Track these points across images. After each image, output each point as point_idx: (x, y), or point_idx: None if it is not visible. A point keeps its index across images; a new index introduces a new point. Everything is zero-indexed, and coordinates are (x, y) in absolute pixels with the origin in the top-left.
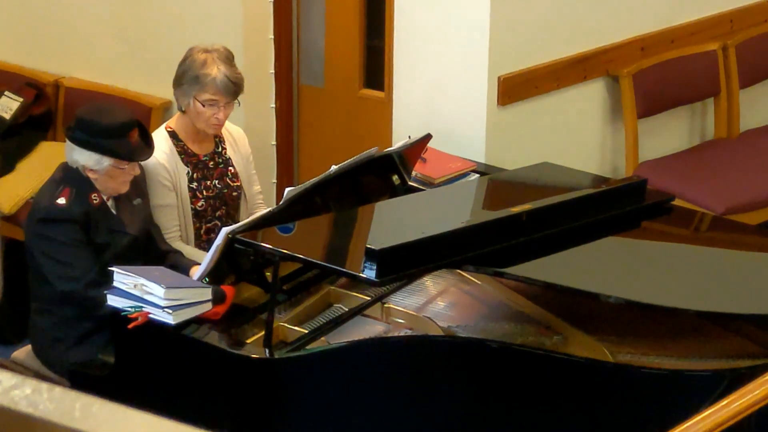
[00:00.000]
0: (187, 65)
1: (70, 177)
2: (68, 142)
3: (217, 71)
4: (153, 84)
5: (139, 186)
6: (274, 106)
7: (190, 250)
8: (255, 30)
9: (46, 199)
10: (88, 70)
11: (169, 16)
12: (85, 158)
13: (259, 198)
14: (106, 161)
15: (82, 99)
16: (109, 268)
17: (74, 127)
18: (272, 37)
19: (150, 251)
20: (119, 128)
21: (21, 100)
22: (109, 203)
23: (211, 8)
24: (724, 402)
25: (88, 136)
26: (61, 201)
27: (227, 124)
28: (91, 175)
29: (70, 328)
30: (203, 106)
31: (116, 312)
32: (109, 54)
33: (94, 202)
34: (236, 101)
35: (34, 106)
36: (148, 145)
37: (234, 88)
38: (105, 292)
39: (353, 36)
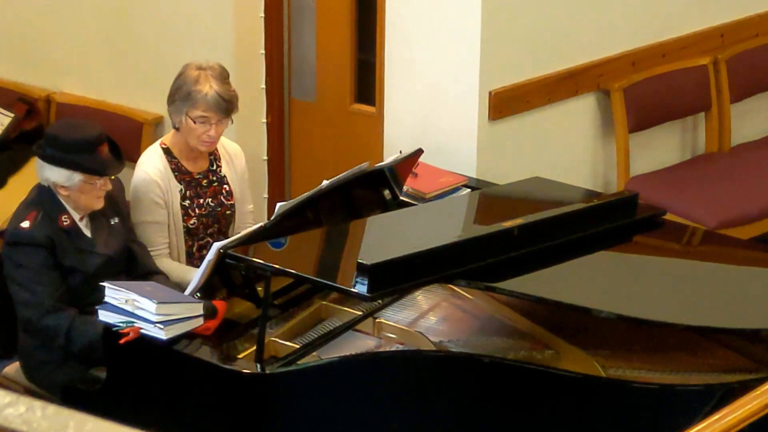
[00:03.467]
0: (180, 82)
1: (40, 199)
2: (38, 160)
3: (209, 88)
4: (144, 99)
5: (117, 204)
6: (265, 121)
7: (176, 267)
8: (246, 45)
9: (13, 223)
10: (80, 85)
11: (160, 31)
12: (56, 175)
13: (250, 217)
14: (76, 177)
15: (74, 114)
16: (101, 284)
17: (44, 144)
18: (263, 52)
19: (132, 271)
20: (89, 143)
21: (12, 115)
22: (83, 223)
23: (202, 24)
24: (715, 417)
25: (58, 151)
26: (25, 224)
27: (224, 140)
28: (62, 192)
29: (55, 349)
30: (195, 122)
31: (108, 327)
32: (100, 69)
33: (64, 223)
34: (229, 119)
35: (26, 122)
36: (119, 160)
37: (226, 105)
38: (97, 308)
39: (344, 51)
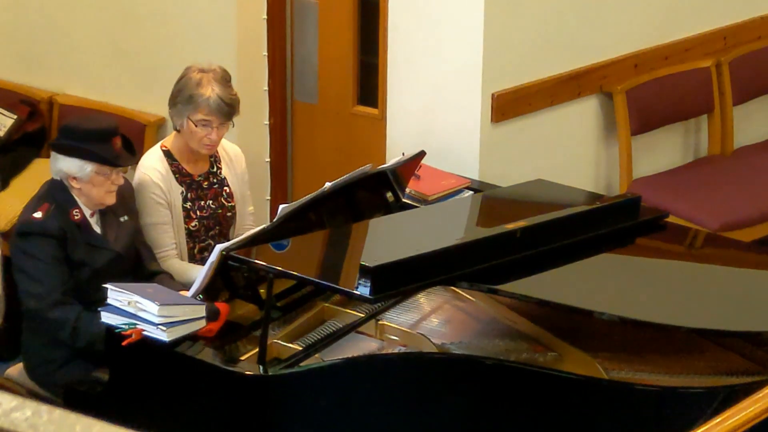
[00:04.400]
0: (182, 84)
1: (52, 193)
2: (53, 154)
3: (210, 92)
4: (147, 101)
5: (127, 203)
6: (267, 122)
7: (185, 267)
8: (249, 47)
9: (25, 214)
10: (82, 87)
11: (163, 33)
12: (68, 165)
13: (250, 219)
14: (88, 167)
15: (76, 116)
16: (104, 285)
17: (58, 136)
18: (266, 54)
19: (138, 271)
20: (102, 133)
21: (15, 117)
22: (94, 219)
23: (205, 25)
24: (718, 419)
25: (72, 141)
26: (38, 215)
27: (224, 142)
28: (74, 185)
29: (60, 348)
30: (196, 126)
31: (111, 329)
32: (103, 71)
33: (75, 218)
34: (231, 122)
35: (28, 123)
36: (131, 153)
37: (228, 109)
38: (100, 309)
39: (347, 53)
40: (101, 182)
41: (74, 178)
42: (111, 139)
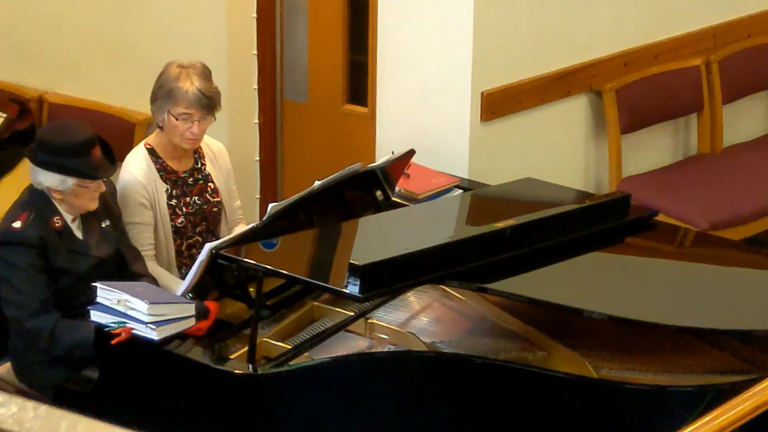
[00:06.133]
0: (162, 80)
1: (33, 200)
2: (31, 165)
3: (190, 84)
4: (136, 99)
5: (109, 208)
6: (257, 121)
7: (161, 274)
8: (238, 46)
9: (5, 223)
10: (72, 86)
11: (153, 31)
12: (49, 180)
13: (239, 213)
14: (70, 181)
15: (66, 114)
16: (92, 284)
17: (36, 149)
18: (255, 52)
19: (123, 273)
20: (81, 146)
21: (5, 115)
22: (75, 224)
23: (195, 24)
24: (707, 418)
25: (50, 156)
26: (17, 225)
27: (207, 139)
28: (56, 196)
29: (45, 350)
30: (177, 120)
31: (100, 327)
32: (93, 69)
33: (56, 225)
34: (212, 116)
35: (18, 122)
36: (111, 162)
37: (207, 101)
38: (89, 308)
39: (337, 51)
40: (83, 192)
41: (56, 191)
42: (90, 151)
